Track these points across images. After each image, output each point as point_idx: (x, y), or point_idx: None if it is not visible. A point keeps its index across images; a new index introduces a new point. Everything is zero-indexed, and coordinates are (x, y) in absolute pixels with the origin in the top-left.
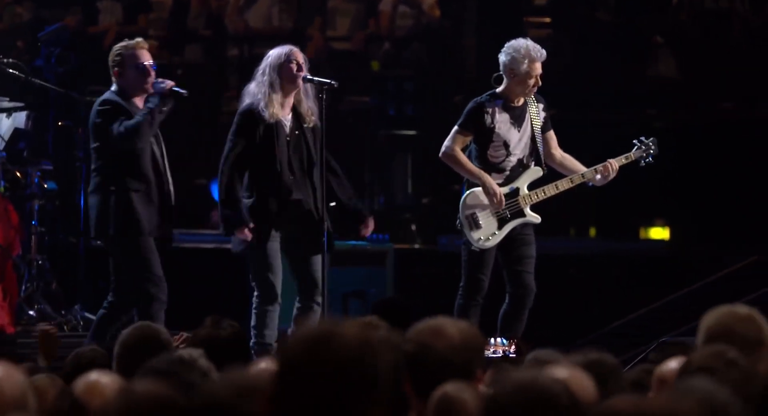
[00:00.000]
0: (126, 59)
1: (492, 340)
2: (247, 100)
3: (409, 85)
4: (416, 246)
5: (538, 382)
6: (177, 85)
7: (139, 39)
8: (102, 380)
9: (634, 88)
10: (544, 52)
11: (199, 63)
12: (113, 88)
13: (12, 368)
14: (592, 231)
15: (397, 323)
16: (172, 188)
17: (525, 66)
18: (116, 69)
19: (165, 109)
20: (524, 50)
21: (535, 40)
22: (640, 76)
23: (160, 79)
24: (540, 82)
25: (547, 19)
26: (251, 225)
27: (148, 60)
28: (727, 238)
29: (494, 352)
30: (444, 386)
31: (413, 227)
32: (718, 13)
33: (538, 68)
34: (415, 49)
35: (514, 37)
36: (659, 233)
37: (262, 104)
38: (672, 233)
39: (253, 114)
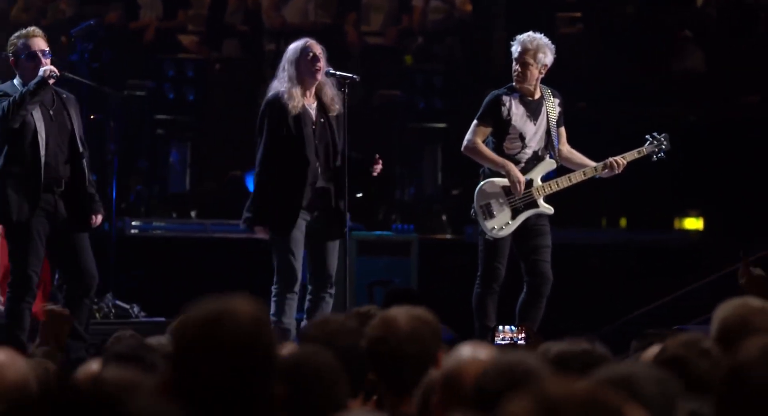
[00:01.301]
0: (19, 49)
1: (501, 327)
2: (273, 92)
3: (438, 79)
4: (448, 236)
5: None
6: (55, 72)
7: (33, 28)
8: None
9: (664, 83)
10: (536, 43)
11: (236, 58)
12: (15, 79)
13: (14, 354)
14: (623, 222)
15: None
16: (87, 173)
17: (514, 55)
18: (12, 58)
19: (40, 94)
20: (516, 41)
21: (565, 35)
22: (668, 70)
23: (42, 68)
24: (527, 72)
25: (578, 14)
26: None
27: (40, 47)
28: (757, 229)
29: (503, 339)
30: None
31: (444, 218)
32: (746, 6)
33: (522, 58)
34: (447, 44)
35: (544, 31)
36: (693, 223)
37: (285, 97)
38: (705, 224)
39: (279, 104)
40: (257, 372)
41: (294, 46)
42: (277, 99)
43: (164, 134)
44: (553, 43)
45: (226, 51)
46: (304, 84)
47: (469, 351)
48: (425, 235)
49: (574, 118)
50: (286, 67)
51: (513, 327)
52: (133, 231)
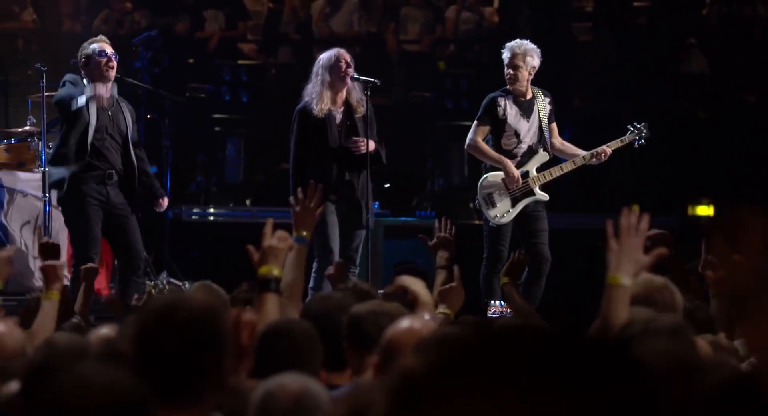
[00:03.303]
0: (90, 52)
1: (492, 302)
2: (305, 99)
3: (465, 82)
4: (476, 222)
5: None
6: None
7: (101, 36)
8: (113, 334)
9: (672, 83)
10: (524, 48)
11: (289, 63)
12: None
13: (13, 325)
14: (636, 208)
15: None
16: (136, 167)
17: (505, 60)
18: (83, 60)
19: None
20: (506, 48)
21: (583, 43)
22: (676, 72)
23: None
24: (518, 74)
25: (594, 24)
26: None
27: (109, 50)
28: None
29: (493, 313)
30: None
31: (471, 206)
32: (743, 17)
33: (513, 61)
34: (476, 51)
35: (563, 39)
36: (704, 210)
37: (314, 103)
38: (715, 210)
39: (306, 112)
40: (208, 350)
41: (327, 55)
42: (304, 107)
43: (221, 131)
44: (572, 49)
45: (281, 57)
46: (334, 88)
47: (406, 323)
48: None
49: (590, 115)
50: (320, 73)
51: (503, 302)
52: (193, 217)
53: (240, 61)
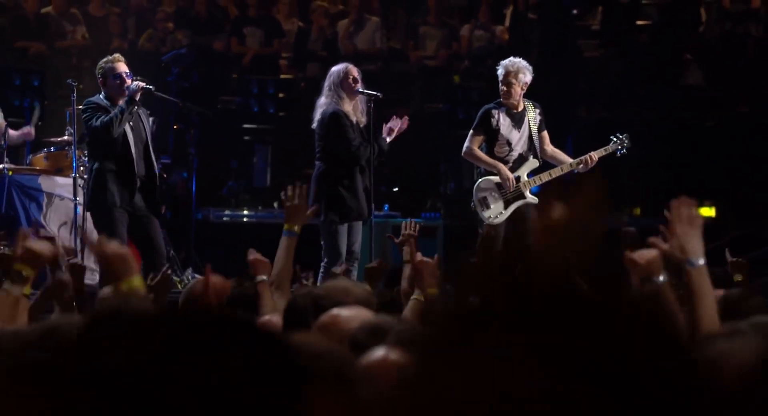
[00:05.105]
0: (107, 71)
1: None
2: (327, 109)
3: (476, 93)
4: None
5: None
6: (146, 84)
7: (116, 54)
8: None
9: (673, 95)
10: (516, 66)
11: (317, 78)
12: (101, 94)
13: None
14: (637, 211)
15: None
16: (156, 171)
17: (500, 77)
18: (101, 79)
19: (133, 108)
20: (501, 65)
21: (588, 58)
22: (675, 85)
23: (133, 83)
24: (511, 90)
25: (598, 41)
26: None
27: (124, 70)
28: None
29: None
30: None
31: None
32: (737, 35)
33: (506, 79)
34: (489, 65)
35: (569, 55)
36: (706, 211)
37: (344, 111)
38: (717, 212)
39: (345, 115)
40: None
41: (338, 70)
42: (343, 111)
43: (250, 139)
44: (578, 65)
45: (309, 72)
46: (348, 100)
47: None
48: (449, 222)
49: (594, 123)
50: (333, 88)
51: None
52: (224, 219)
53: (282, 76)
